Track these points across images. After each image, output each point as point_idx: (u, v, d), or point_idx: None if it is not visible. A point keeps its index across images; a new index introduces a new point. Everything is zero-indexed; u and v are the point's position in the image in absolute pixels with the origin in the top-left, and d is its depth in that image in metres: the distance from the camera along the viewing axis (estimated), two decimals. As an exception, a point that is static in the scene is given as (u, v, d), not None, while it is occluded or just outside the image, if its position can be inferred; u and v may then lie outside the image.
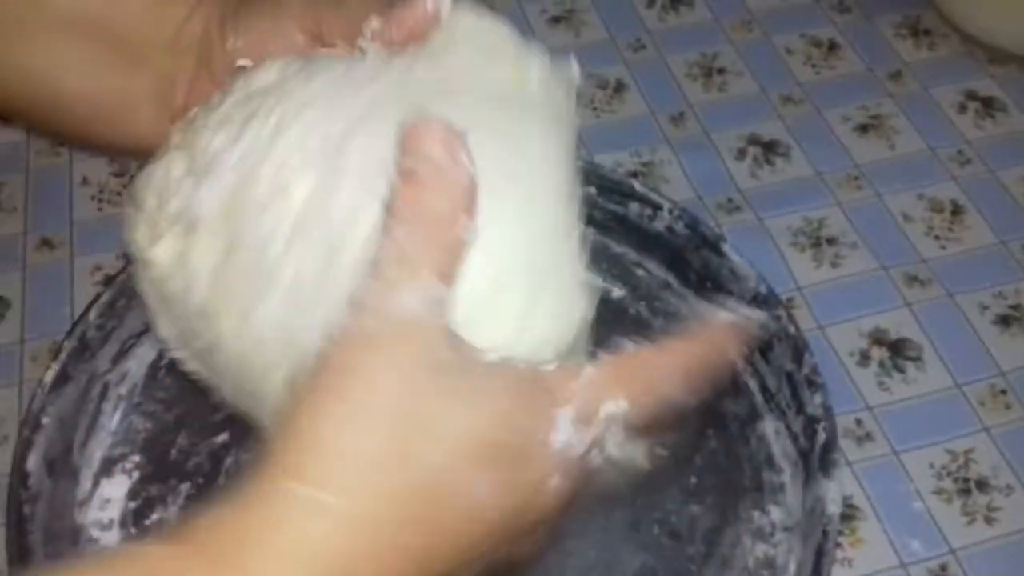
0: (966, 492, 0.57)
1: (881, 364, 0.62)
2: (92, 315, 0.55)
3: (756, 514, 0.55)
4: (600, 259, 0.64)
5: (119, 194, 0.69)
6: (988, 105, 0.76)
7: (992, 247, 0.68)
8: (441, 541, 0.31)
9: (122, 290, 0.56)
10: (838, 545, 0.54)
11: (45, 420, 0.51)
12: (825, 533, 0.48)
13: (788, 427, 0.55)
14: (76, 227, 0.67)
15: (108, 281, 0.57)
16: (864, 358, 0.62)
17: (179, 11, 0.44)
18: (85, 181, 0.69)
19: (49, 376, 0.52)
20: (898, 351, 0.63)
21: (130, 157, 0.60)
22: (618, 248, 0.64)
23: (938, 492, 0.57)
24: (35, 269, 0.65)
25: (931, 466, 0.58)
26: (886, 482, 0.57)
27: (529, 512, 0.33)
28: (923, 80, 0.78)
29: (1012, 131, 0.75)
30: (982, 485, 0.57)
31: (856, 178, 0.72)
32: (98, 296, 0.55)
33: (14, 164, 0.70)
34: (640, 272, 0.63)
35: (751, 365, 0.59)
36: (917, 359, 0.62)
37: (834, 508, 0.49)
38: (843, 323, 0.64)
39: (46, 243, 0.66)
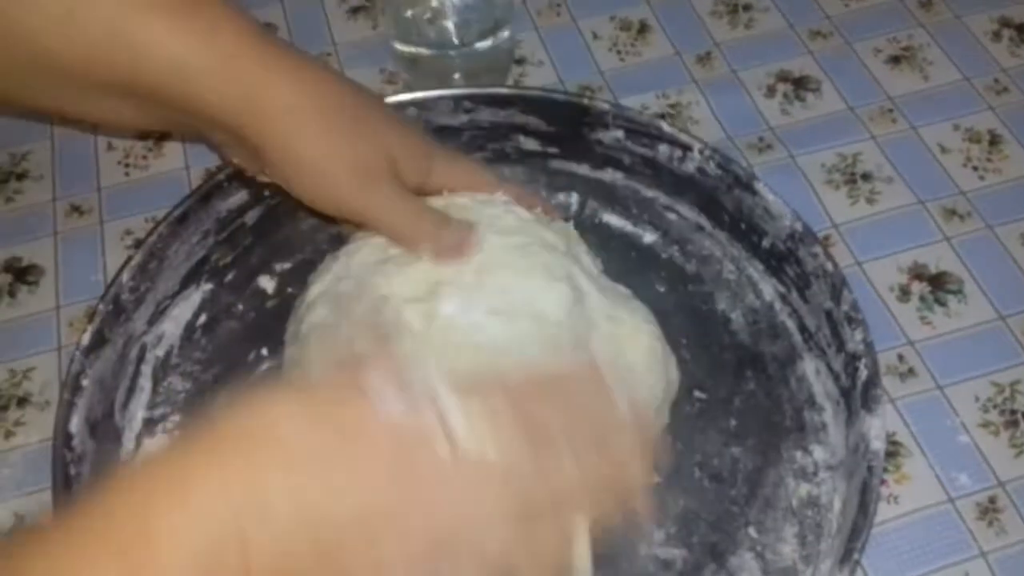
0: (1013, 424, 0.56)
1: (922, 298, 0.61)
2: (125, 277, 0.55)
3: (798, 454, 0.54)
4: (631, 204, 0.63)
5: (144, 158, 0.68)
6: (1023, 31, 0.74)
7: (1032, 176, 0.67)
8: None
9: (152, 252, 0.56)
10: (883, 482, 0.54)
11: (85, 382, 0.51)
12: (870, 469, 0.48)
13: (829, 366, 0.55)
14: (104, 192, 0.67)
15: (138, 244, 0.56)
16: (904, 293, 0.61)
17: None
18: (111, 146, 0.69)
19: (86, 339, 0.52)
20: (939, 285, 0.62)
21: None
22: (648, 192, 0.63)
23: (984, 425, 0.56)
24: (66, 235, 0.65)
25: (976, 399, 0.57)
26: (931, 417, 0.56)
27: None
28: (955, 8, 0.76)
29: (1049, 57, 0.73)
30: (1029, 417, 0.57)
31: (890, 111, 0.70)
32: (129, 259, 0.55)
33: (39, 132, 0.70)
34: (672, 216, 0.63)
35: (788, 305, 0.58)
36: (958, 292, 0.61)
37: (878, 444, 0.49)
38: (881, 259, 0.63)
39: (75, 209, 0.66)
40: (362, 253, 0.54)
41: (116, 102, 0.48)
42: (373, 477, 0.32)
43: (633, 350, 0.52)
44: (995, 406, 0.57)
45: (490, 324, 0.49)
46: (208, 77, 0.47)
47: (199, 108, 0.47)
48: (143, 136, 0.69)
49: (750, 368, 0.57)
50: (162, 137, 0.69)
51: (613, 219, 0.64)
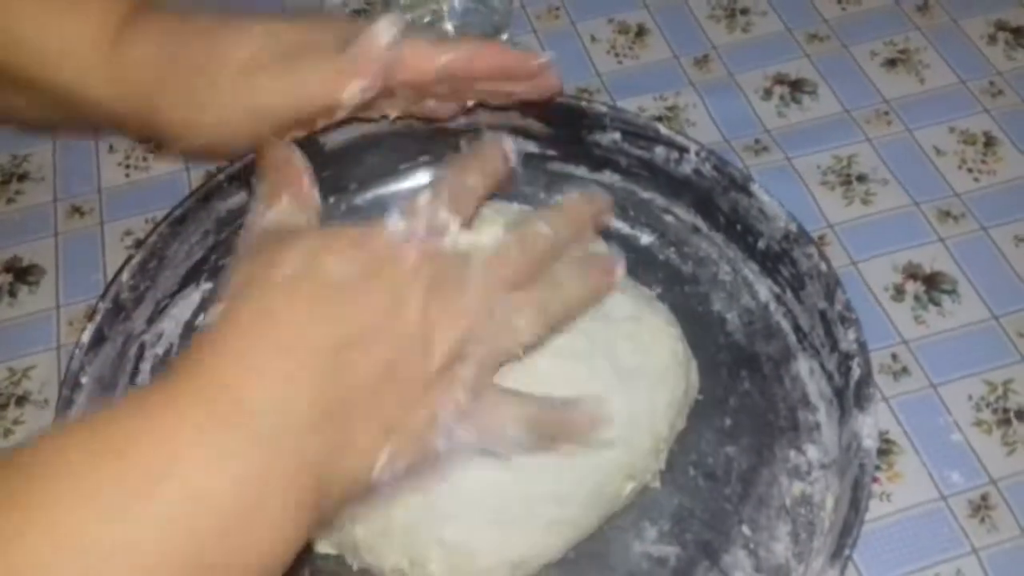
0: (1006, 422, 0.57)
1: (916, 298, 0.61)
2: (125, 276, 0.55)
3: (792, 453, 0.55)
4: (627, 206, 0.64)
5: (145, 160, 0.69)
6: (1019, 35, 0.75)
7: (1027, 178, 0.67)
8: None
9: (153, 251, 0.57)
10: (876, 480, 0.54)
11: (84, 380, 0.52)
12: (862, 467, 0.48)
13: (822, 365, 0.55)
14: (104, 194, 0.67)
15: (139, 245, 0.57)
16: (899, 292, 0.62)
17: None
18: (112, 148, 0.70)
19: (86, 336, 0.52)
20: (933, 284, 0.62)
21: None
22: (645, 194, 0.63)
23: (977, 423, 0.57)
24: (66, 236, 0.65)
25: (969, 398, 0.57)
26: (924, 415, 0.57)
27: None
28: (951, 11, 0.76)
29: (1044, 61, 0.74)
30: (1021, 415, 0.57)
31: (886, 113, 0.70)
32: (130, 258, 0.56)
33: (40, 134, 0.71)
34: (668, 218, 0.63)
35: (783, 305, 0.58)
36: (952, 292, 0.62)
37: (870, 442, 0.49)
38: (876, 258, 0.63)
39: (76, 210, 0.66)
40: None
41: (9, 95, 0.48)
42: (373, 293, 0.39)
43: (655, 352, 0.52)
44: (988, 405, 0.57)
45: None
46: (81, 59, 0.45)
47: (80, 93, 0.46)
48: (145, 140, 0.70)
49: (745, 368, 0.58)
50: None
51: (611, 221, 0.64)
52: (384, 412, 0.38)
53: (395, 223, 0.40)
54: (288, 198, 0.43)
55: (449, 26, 0.70)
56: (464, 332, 0.40)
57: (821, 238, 0.64)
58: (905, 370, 0.58)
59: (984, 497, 0.54)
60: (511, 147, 0.47)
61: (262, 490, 0.34)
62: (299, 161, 0.45)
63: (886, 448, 0.56)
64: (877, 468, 0.55)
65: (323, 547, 0.50)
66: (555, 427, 0.44)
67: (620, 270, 0.48)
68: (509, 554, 0.48)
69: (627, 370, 0.51)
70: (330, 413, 0.36)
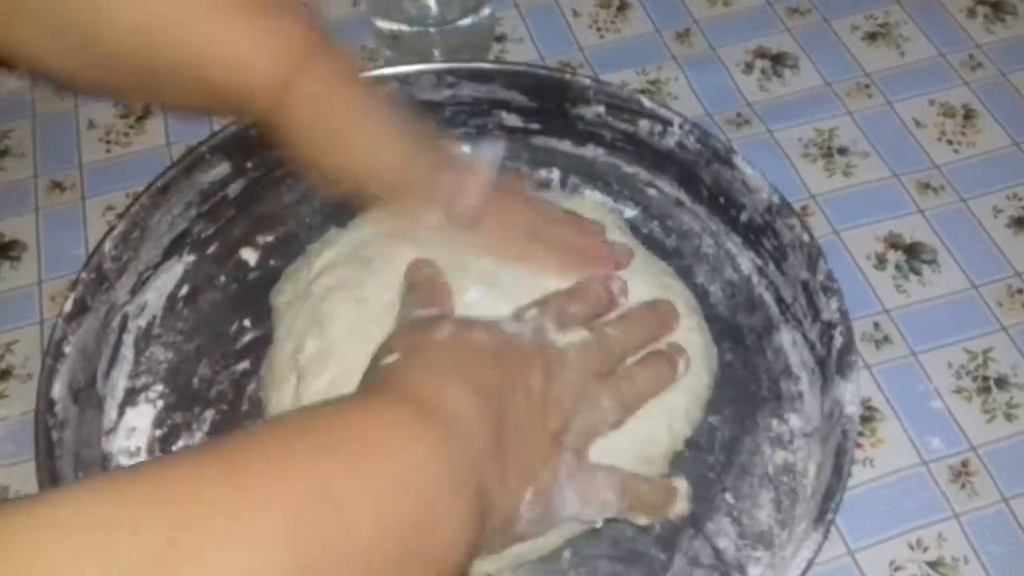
0: (986, 390, 0.57)
1: (897, 267, 0.62)
2: (107, 246, 0.55)
3: (774, 422, 0.55)
4: (611, 179, 0.64)
5: (126, 135, 0.69)
6: (998, 8, 0.75)
7: (1005, 149, 0.68)
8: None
9: (135, 221, 0.56)
10: (859, 446, 0.55)
11: (67, 349, 0.51)
12: (844, 433, 0.49)
13: (804, 336, 0.56)
14: (85, 169, 0.67)
15: (121, 215, 0.57)
16: (880, 261, 0.62)
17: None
18: (92, 124, 0.69)
19: (68, 306, 0.52)
20: (913, 254, 0.62)
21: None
22: (629, 168, 0.63)
23: (958, 391, 0.57)
24: (48, 211, 0.65)
25: (950, 366, 0.58)
26: (905, 383, 0.57)
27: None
28: (931, -14, 0.77)
29: (1023, 34, 0.74)
30: (1001, 383, 0.57)
31: (866, 86, 0.71)
32: (112, 228, 0.56)
33: (20, 110, 0.70)
34: (652, 191, 0.63)
35: (765, 278, 0.59)
36: (932, 262, 0.62)
37: (852, 408, 0.49)
38: (858, 228, 0.63)
39: (57, 185, 0.66)
40: (374, 224, 0.56)
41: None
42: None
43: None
44: (968, 372, 0.58)
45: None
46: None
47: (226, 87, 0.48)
48: (125, 115, 0.69)
49: (728, 340, 0.58)
50: (143, 114, 0.69)
51: (594, 195, 0.64)
52: (524, 459, 0.44)
53: (509, 323, 0.48)
54: (437, 310, 0.50)
55: (431, 0, 0.69)
56: (569, 405, 0.47)
57: (804, 208, 0.64)
58: (887, 338, 0.59)
59: (964, 463, 0.55)
60: (618, 288, 0.53)
61: (453, 491, 0.38)
62: (441, 278, 0.52)
63: (868, 415, 0.56)
64: (860, 434, 0.55)
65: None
66: (639, 497, 0.48)
67: (683, 365, 0.52)
68: (517, 554, 0.49)
69: None
70: (498, 444, 0.42)
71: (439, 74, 0.62)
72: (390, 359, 0.44)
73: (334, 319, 0.52)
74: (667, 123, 0.60)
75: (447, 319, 0.48)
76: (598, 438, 0.48)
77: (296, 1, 0.49)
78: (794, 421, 0.55)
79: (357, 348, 0.49)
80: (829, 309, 0.53)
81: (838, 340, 0.52)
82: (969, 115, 0.69)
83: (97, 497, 0.31)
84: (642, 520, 0.49)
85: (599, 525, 0.48)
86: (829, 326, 0.53)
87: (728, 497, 0.53)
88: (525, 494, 0.44)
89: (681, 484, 0.49)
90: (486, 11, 0.70)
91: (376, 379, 0.44)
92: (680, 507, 0.49)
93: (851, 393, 0.50)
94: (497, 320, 0.48)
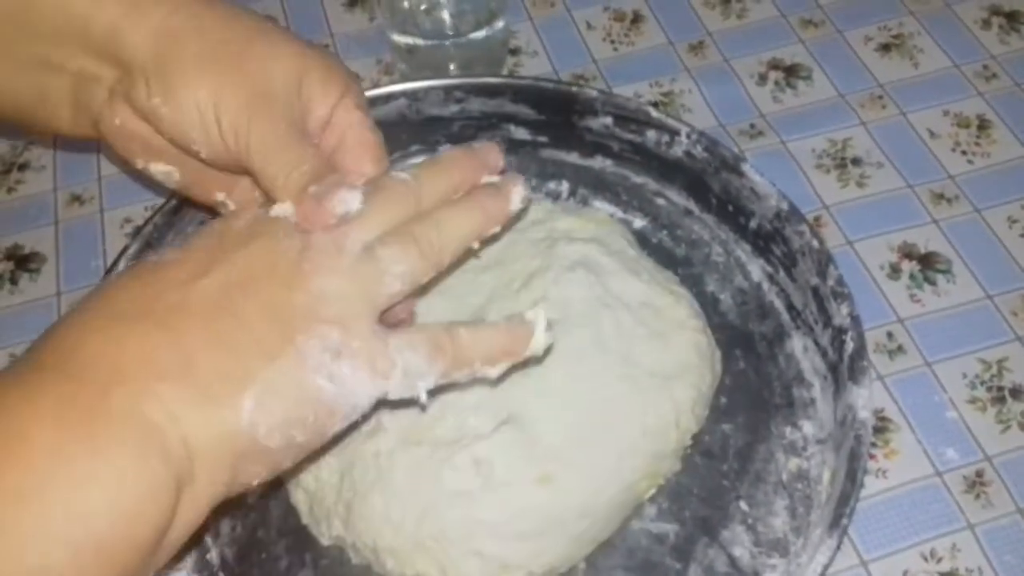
0: (1000, 400, 0.57)
1: (911, 277, 0.62)
2: (121, 266, 0.55)
3: (788, 430, 0.55)
4: (620, 190, 0.64)
5: (145, 148, 0.69)
6: (1013, 19, 0.75)
7: (1020, 160, 0.67)
8: None
9: (148, 241, 0.57)
10: (872, 456, 0.55)
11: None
12: (858, 439, 0.48)
13: (816, 342, 0.55)
14: (104, 182, 0.68)
15: (136, 233, 0.57)
16: (894, 271, 0.62)
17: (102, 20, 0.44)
18: (111, 138, 0.70)
19: (84, 320, 0.53)
20: (928, 264, 0.62)
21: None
22: (637, 178, 0.64)
23: (972, 401, 0.57)
24: (67, 224, 0.66)
25: (964, 376, 0.58)
26: (919, 393, 0.57)
27: None
28: (945, -4, 0.77)
29: (1038, 45, 0.74)
30: (1016, 393, 0.57)
31: (880, 97, 0.71)
32: (126, 247, 0.56)
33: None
34: (660, 201, 0.63)
35: (776, 284, 0.59)
36: (947, 272, 0.62)
37: (865, 413, 0.49)
38: (871, 238, 0.63)
39: (76, 199, 0.67)
40: None
41: None
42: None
43: (676, 348, 0.53)
44: (982, 383, 0.57)
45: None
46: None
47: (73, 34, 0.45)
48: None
49: (739, 348, 0.58)
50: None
51: (603, 206, 0.64)
52: (219, 371, 0.38)
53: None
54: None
55: (446, 14, 0.70)
56: (309, 269, 0.40)
57: (817, 219, 0.64)
58: (900, 348, 0.59)
59: (979, 473, 0.54)
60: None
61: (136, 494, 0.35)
62: None
63: (882, 425, 0.56)
64: (873, 445, 0.55)
65: (326, 540, 0.51)
66: (466, 347, 0.42)
67: (516, 197, 0.46)
68: (538, 566, 0.49)
69: (645, 372, 0.51)
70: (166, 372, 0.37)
71: (447, 89, 0.62)
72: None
73: None
74: (674, 133, 0.60)
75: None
76: (390, 298, 0.42)
77: None
78: (807, 428, 0.55)
79: None
80: (840, 314, 0.53)
81: (850, 345, 0.52)
82: (983, 125, 0.69)
83: None
84: (491, 372, 0.43)
85: (423, 400, 0.41)
86: (840, 331, 0.52)
87: (743, 505, 0.53)
88: (243, 405, 0.37)
89: (536, 313, 0.43)
90: (500, 24, 0.71)
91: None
92: (538, 341, 0.43)
93: (864, 398, 0.50)
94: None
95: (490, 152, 0.48)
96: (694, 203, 0.62)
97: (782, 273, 0.58)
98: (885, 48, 0.74)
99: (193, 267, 0.40)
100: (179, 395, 0.36)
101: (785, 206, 0.56)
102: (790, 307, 0.58)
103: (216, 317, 0.38)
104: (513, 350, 0.43)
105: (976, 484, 0.54)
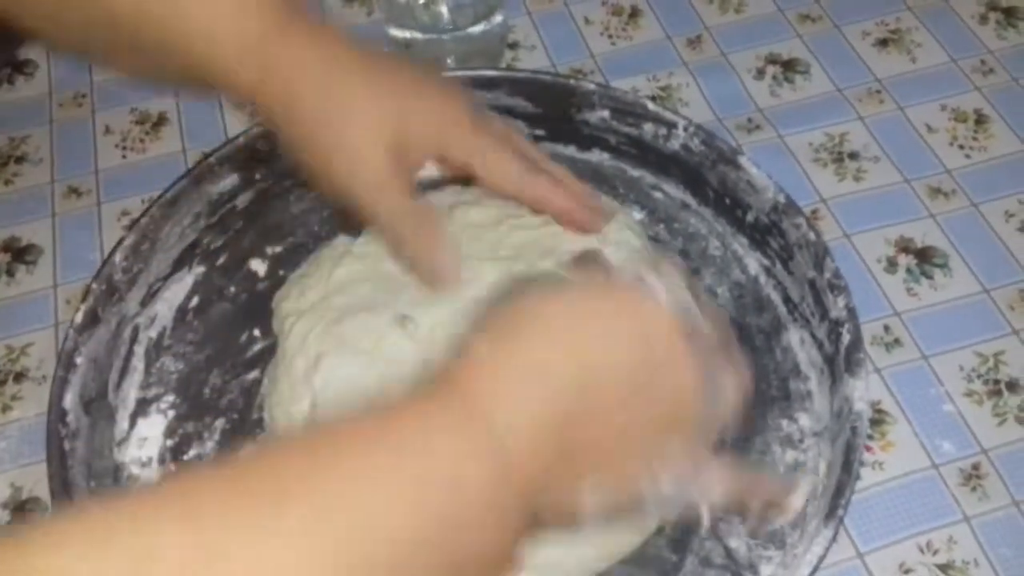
0: (997, 393, 0.57)
1: (908, 270, 0.62)
2: (117, 258, 0.55)
3: (784, 422, 0.55)
4: (617, 184, 0.64)
5: (142, 141, 0.69)
6: (1010, 14, 0.75)
7: (1017, 154, 0.67)
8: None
9: (145, 233, 0.57)
10: (868, 449, 0.55)
11: (79, 360, 0.52)
12: (854, 430, 0.48)
13: (812, 335, 0.55)
14: (101, 174, 0.68)
15: (131, 226, 0.57)
16: (891, 264, 0.62)
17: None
18: (108, 130, 0.70)
19: (79, 317, 0.53)
20: (925, 258, 0.62)
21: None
22: (634, 172, 0.64)
23: (968, 394, 0.57)
24: (64, 216, 0.66)
25: (961, 369, 0.58)
26: (916, 386, 0.57)
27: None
28: (943, -8, 0.77)
29: (1036, 40, 0.74)
30: (1012, 386, 0.57)
31: (877, 92, 0.71)
32: (122, 239, 0.56)
33: (37, 117, 0.71)
34: (658, 194, 0.63)
35: (773, 278, 0.59)
36: (944, 266, 0.62)
37: (861, 405, 0.49)
38: (868, 232, 0.63)
39: (73, 191, 0.67)
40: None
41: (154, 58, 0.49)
42: (631, 341, 0.37)
43: None
44: (979, 376, 0.57)
45: None
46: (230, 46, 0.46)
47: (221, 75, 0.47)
48: (140, 121, 0.70)
49: (736, 340, 0.58)
50: (159, 121, 0.70)
51: (601, 199, 0.64)
52: (591, 462, 0.37)
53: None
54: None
55: (443, 8, 0.70)
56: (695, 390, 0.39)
57: (814, 212, 0.64)
58: (897, 341, 0.59)
59: (975, 466, 0.54)
60: None
61: (493, 496, 0.34)
62: None
63: (878, 418, 0.56)
64: (870, 437, 0.55)
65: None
66: (751, 490, 0.42)
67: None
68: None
69: None
70: (560, 455, 0.35)
71: (445, 83, 0.62)
72: (474, 341, 0.37)
73: (354, 337, 0.51)
74: (671, 126, 0.60)
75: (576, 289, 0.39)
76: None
77: None
78: (804, 420, 0.55)
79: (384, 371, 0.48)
80: (836, 307, 0.53)
81: (846, 338, 0.52)
82: (980, 120, 0.69)
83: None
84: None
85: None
86: (837, 324, 0.52)
87: (738, 498, 0.53)
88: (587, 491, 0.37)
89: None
90: (498, 19, 0.71)
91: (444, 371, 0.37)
92: (797, 501, 0.43)
93: (860, 390, 0.50)
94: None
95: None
96: (691, 196, 0.62)
97: (779, 266, 0.58)
98: (882, 43, 0.74)
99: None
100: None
101: (782, 199, 0.56)
102: (787, 300, 0.58)
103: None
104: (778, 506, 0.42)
105: (972, 477, 0.54)
